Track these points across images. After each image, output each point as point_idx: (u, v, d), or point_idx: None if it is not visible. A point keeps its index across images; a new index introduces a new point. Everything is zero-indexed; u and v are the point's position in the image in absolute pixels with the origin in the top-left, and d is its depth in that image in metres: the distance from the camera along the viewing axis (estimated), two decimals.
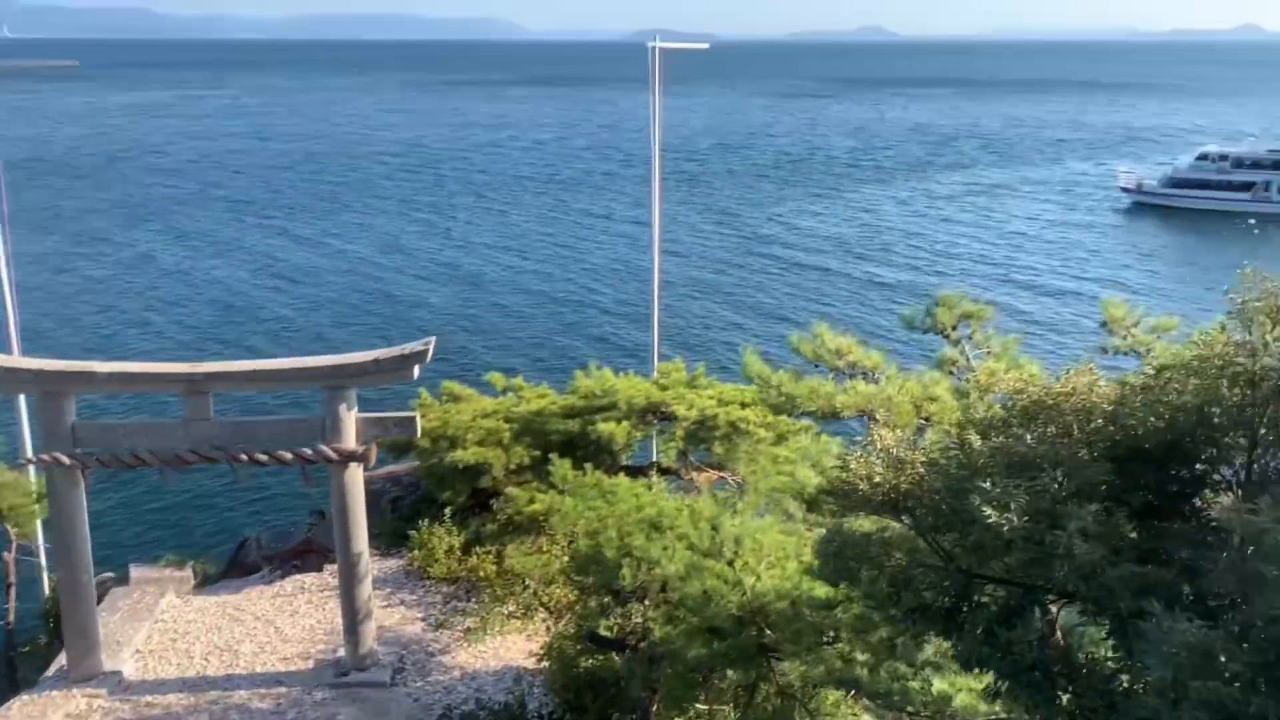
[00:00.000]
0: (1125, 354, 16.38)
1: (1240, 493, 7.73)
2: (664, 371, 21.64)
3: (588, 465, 15.51)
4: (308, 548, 20.87)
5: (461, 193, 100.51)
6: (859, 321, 55.52)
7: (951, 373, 16.13)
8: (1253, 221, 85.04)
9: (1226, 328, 10.76)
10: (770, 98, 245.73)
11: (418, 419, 16.49)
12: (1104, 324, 13.90)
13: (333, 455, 15.51)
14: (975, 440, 8.91)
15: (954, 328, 16.16)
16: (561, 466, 15.28)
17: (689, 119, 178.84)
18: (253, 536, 22.60)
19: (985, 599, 8.32)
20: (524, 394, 21.76)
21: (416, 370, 15.37)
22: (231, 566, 21.72)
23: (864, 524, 9.42)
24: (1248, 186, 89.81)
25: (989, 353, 15.85)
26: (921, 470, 8.67)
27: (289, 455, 15.35)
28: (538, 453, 19.13)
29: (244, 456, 15.30)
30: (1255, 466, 9.14)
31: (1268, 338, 9.79)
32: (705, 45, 39.49)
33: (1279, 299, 9.78)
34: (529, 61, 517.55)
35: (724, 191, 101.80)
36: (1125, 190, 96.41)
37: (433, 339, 15.63)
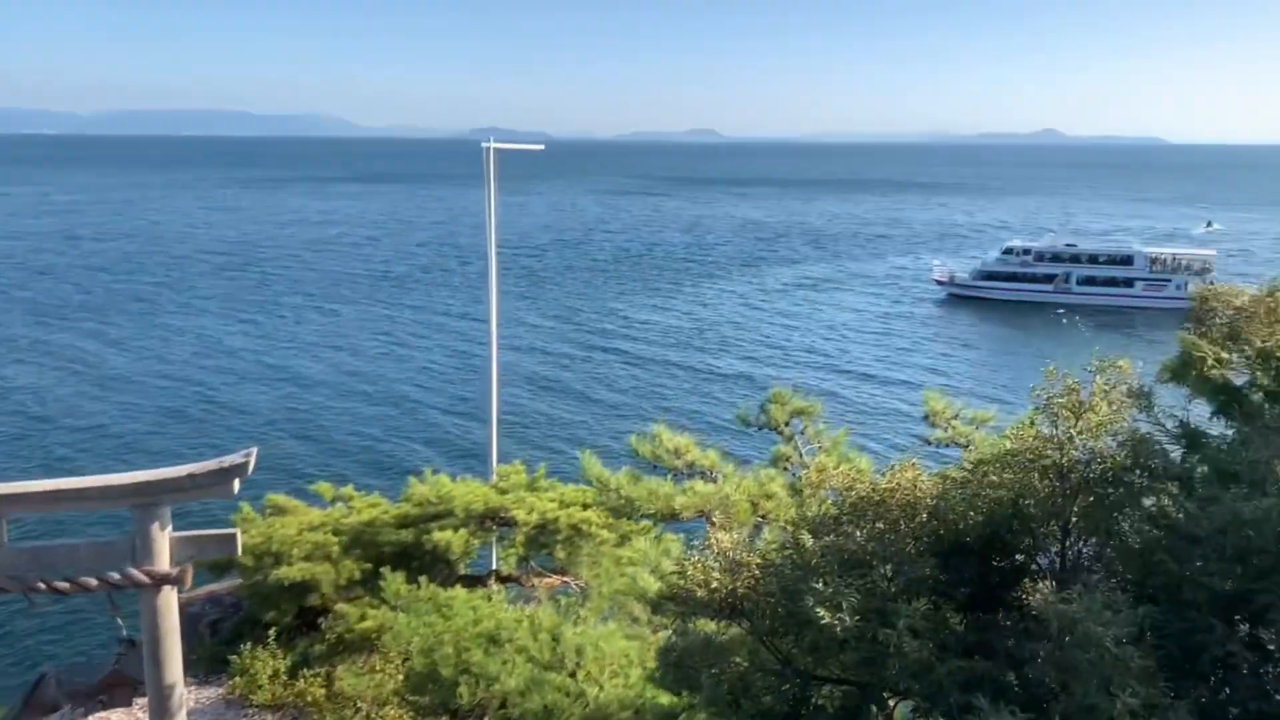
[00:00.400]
0: (947, 446, 17.26)
1: (1055, 582, 8.16)
2: (503, 474, 21.36)
3: (423, 577, 15.08)
4: (116, 681, 19.36)
5: (289, 292, 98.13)
6: (699, 416, 56.56)
7: (786, 468, 16.59)
8: (1061, 311, 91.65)
9: (1035, 422, 11.52)
10: (607, 195, 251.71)
11: (238, 536, 15.66)
12: (926, 417, 14.62)
13: (144, 579, 14.54)
14: (808, 540, 9.13)
15: (786, 424, 16.70)
16: (394, 580, 14.80)
17: (527, 215, 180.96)
18: (52, 671, 20.85)
19: (823, 700, 8.44)
20: (355, 504, 21.06)
21: (237, 484, 14.66)
22: (26, 707, 19.95)
23: (705, 628, 9.46)
24: (1049, 278, 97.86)
25: (820, 448, 16.42)
26: (757, 573, 8.80)
27: (94, 582, 14.29)
28: (369, 566, 18.47)
29: (42, 585, 14.19)
30: (1069, 555, 9.69)
31: (1072, 432, 10.51)
32: (541, 146, 40.28)
33: (1079, 395, 10.55)
34: (361, 158, 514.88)
35: (563, 287, 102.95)
36: (939, 283, 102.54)
37: (254, 449, 14.99)
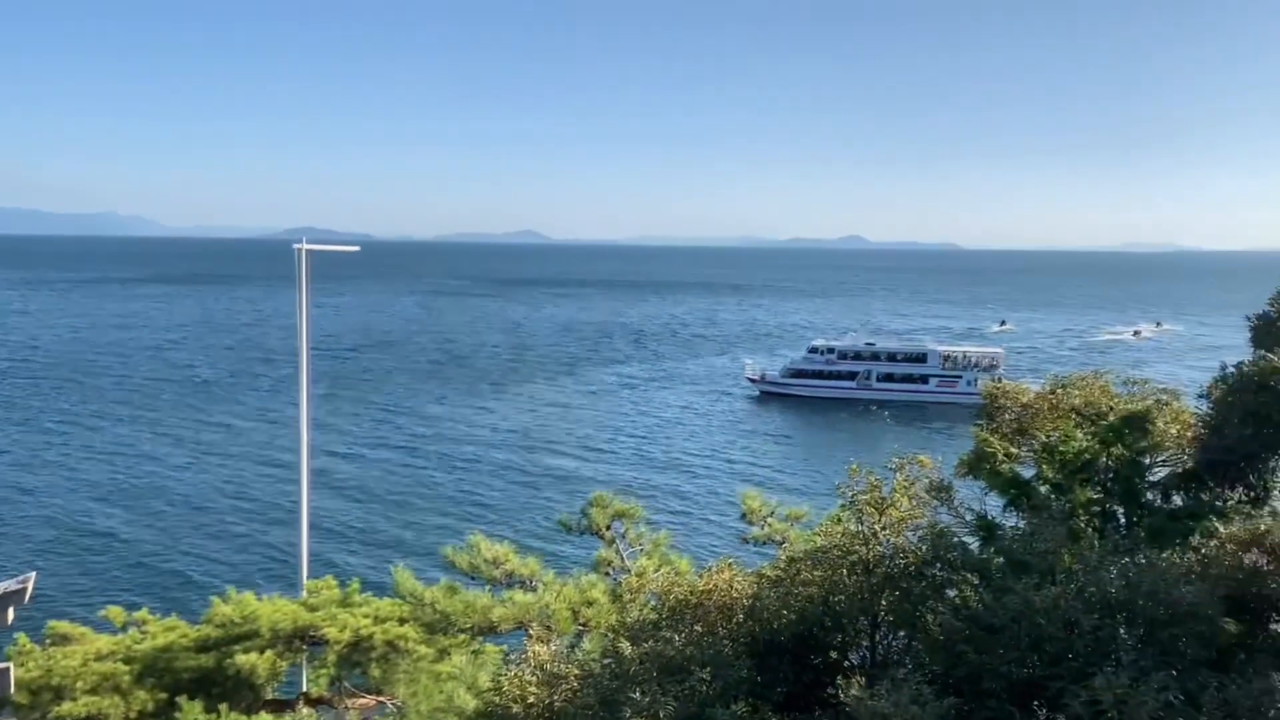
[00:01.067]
0: (764, 543, 17.66)
1: (866, 678, 8.41)
2: (313, 590, 20.43)
3: (223, 705, 14.17)
4: None
5: (84, 399, 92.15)
6: (520, 522, 55.90)
7: (608, 573, 16.56)
8: (876, 408, 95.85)
9: (843, 519, 11.98)
10: (428, 296, 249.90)
11: (10, 671, 14.43)
12: (744, 515, 14.97)
13: None
14: (627, 647, 9.11)
15: (608, 527, 16.72)
16: (191, 710, 13.86)
17: (344, 317, 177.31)
18: None
19: None
20: (149, 628, 19.67)
21: (12, 613, 13.53)
22: None
23: None
24: (852, 375, 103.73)
25: (642, 550, 16.49)
26: (576, 684, 8.70)
27: None
28: (165, 696, 17.19)
29: None
30: (879, 649, 10.03)
31: (876, 527, 10.99)
32: (356, 247, 39.78)
33: (880, 491, 11.07)
34: (166, 258, 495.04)
35: (381, 391, 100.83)
36: (751, 381, 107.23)
37: (33, 575, 13.90)
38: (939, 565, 9.71)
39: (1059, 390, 16.35)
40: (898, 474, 10.29)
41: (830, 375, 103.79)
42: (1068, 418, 15.53)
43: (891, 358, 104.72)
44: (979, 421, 14.88)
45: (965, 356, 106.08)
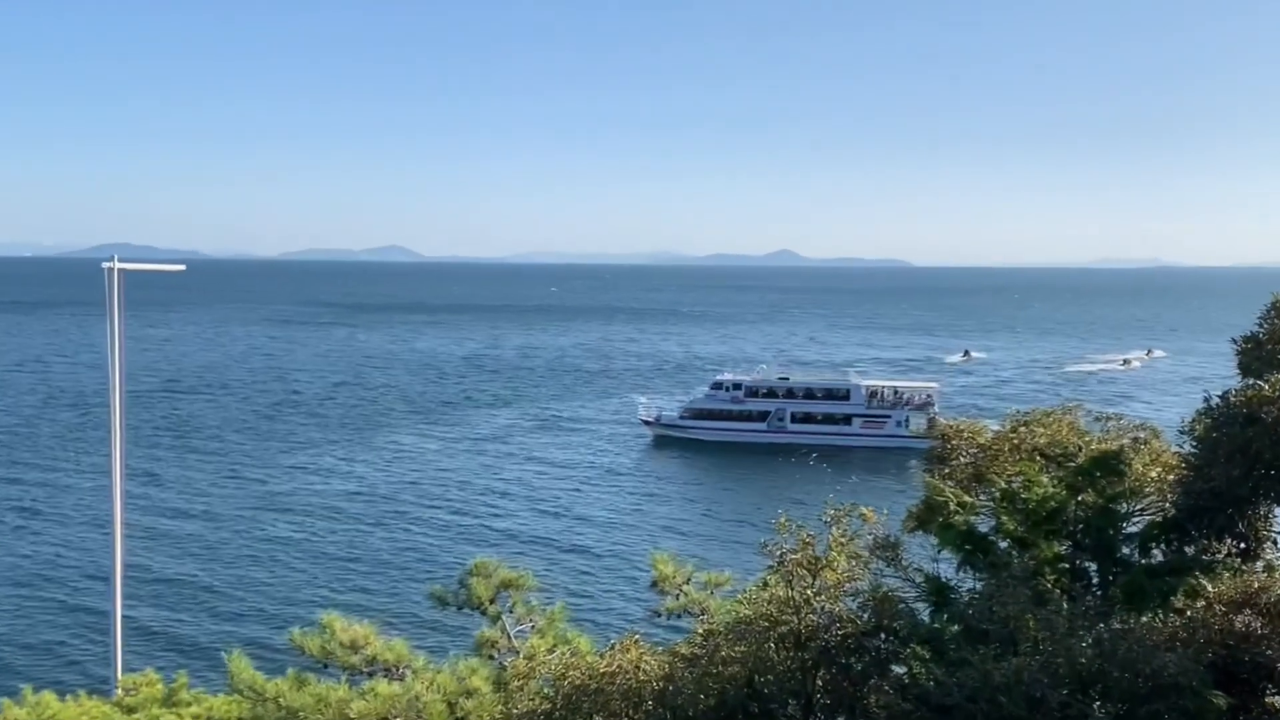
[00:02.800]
0: (679, 615, 17.63)
1: None
2: (131, 686, 19.82)
3: None
4: None
5: None
6: (383, 595, 54.90)
7: (492, 656, 16.28)
8: (799, 456, 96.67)
9: (770, 583, 12.01)
10: (273, 324, 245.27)
11: None
12: (654, 583, 14.89)
13: None
14: None
15: (492, 600, 16.46)
16: None
17: (172, 349, 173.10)
18: None
19: None
20: None
21: None
22: None
23: None
24: (763, 415, 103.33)
25: (534, 627, 16.26)
26: None
27: None
28: None
29: None
30: None
31: (808, 592, 11.03)
32: (182, 266, 38.92)
33: (814, 549, 11.12)
34: None
35: (217, 438, 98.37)
36: (646, 424, 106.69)
37: None
38: (883, 636, 9.77)
39: (1021, 428, 16.67)
40: (833, 528, 10.33)
41: (737, 415, 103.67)
42: (1031, 460, 15.79)
43: (809, 394, 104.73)
44: (929, 467, 15.04)
45: (895, 392, 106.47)
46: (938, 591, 11.91)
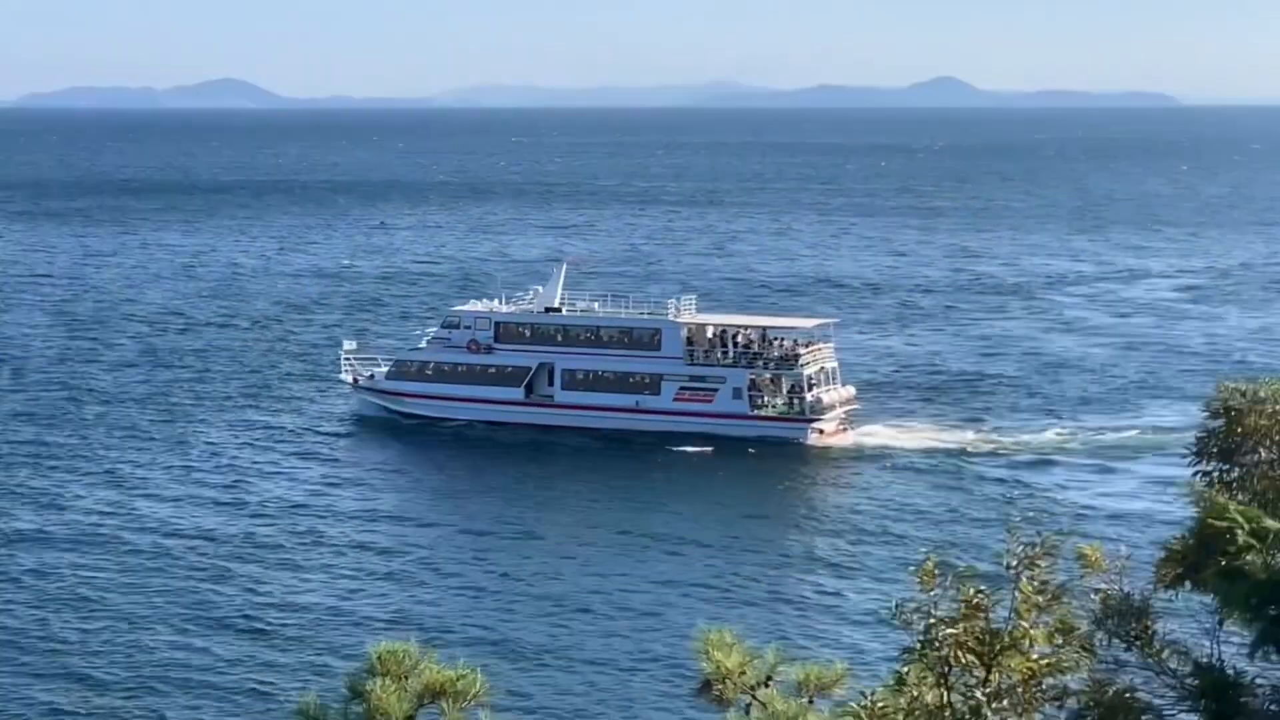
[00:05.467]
0: None
1: None
2: None
3: None
4: None
5: None
6: None
7: None
8: (753, 450, 72.78)
9: (908, 681, 9.29)
10: None
11: None
12: (706, 684, 12.38)
13: None
14: None
15: None
16: None
17: None
18: None
19: None
20: None
21: None
22: None
23: None
24: (520, 375, 79.81)
25: None
26: None
27: None
28: None
29: None
30: None
31: (980, 696, 8.32)
32: None
33: (988, 616, 8.51)
34: None
35: None
36: (353, 386, 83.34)
37: None
38: None
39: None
40: (1022, 576, 7.47)
41: (472, 375, 78.45)
42: None
43: (595, 338, 78.51)
44: (1199, 468, 11.88)
45: (743, 336, 77.67)
46: (1217, 691, 9.16)
